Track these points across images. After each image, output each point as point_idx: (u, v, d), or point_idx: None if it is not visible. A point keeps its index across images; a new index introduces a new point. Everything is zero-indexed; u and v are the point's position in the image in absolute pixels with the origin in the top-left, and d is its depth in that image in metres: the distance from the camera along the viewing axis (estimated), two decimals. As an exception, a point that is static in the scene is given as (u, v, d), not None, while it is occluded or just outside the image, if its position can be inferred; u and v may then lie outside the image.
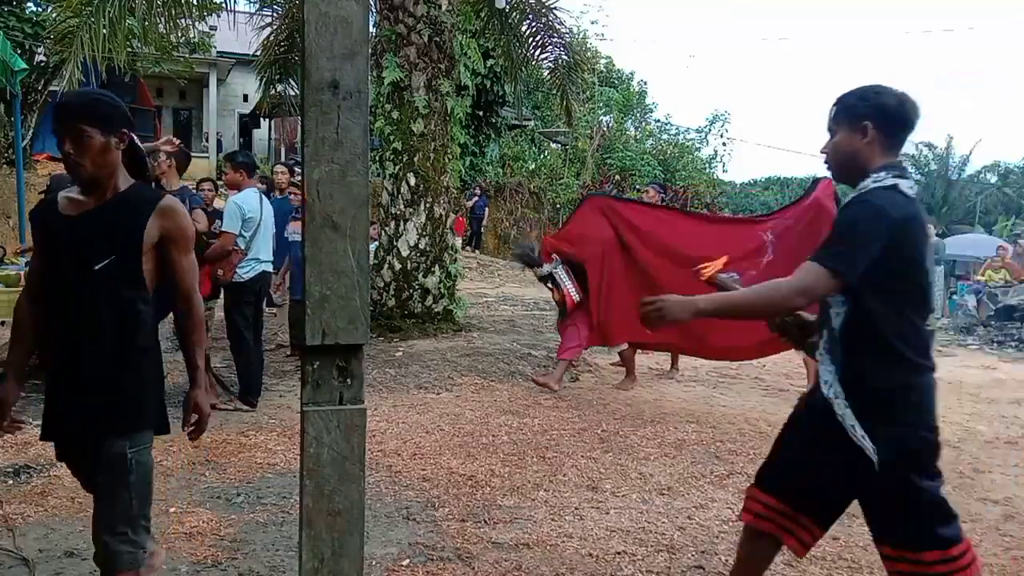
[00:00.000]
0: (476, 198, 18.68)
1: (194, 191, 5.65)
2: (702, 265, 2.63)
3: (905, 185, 2.10)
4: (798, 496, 2.24)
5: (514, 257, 6.87)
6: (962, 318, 12.37)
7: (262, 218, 5.35)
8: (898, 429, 2.06)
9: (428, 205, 8.18)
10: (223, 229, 5.20)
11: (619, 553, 3.18)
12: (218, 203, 6.70)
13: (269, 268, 5.50)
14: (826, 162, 2.27)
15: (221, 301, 5.48)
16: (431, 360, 6.79)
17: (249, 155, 6.05)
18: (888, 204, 2.04)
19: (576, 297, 6.04)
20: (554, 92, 12.05)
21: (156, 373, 2.22)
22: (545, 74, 12.26)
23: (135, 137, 2.18)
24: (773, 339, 4.70)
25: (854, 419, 2.06)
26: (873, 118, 2.13)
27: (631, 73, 31.66)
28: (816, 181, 5.90)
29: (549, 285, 6.29)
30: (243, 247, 5.23)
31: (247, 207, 5.24)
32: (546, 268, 6.17)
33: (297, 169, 6.13)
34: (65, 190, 2.20)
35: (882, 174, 2.11)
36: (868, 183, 2.11)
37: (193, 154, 7.44)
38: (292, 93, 11.46)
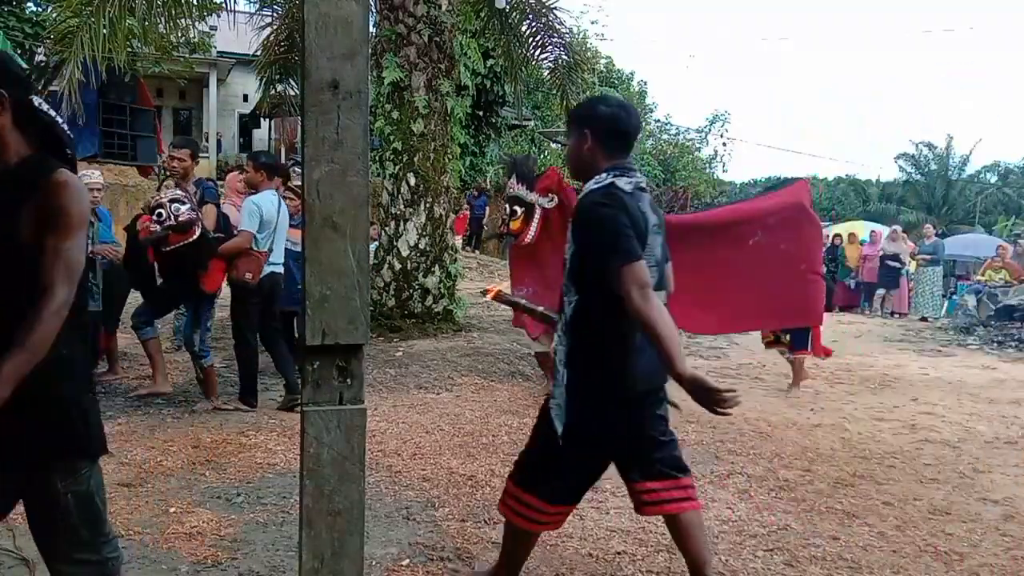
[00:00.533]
0: (474, 200, 18.69)
1: (209, 183, 5.59)
2: (488, 287, 2.93)
3: (622, 182, 2.35)
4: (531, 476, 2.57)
5: (511, 163, 6.17)
6: (962, 318, 12.34)
7: (278, 221, 5.37)
8: (592, 403, 2.36)
9: (428, 205, 8.18)
10: (241, 228, 5.20)
11: (619, 553, 3.18)
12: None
13: (278, 269, 5.51)
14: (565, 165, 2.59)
15: (222, 300, 5.49)
16: (431, 360, 6.79)
17: (272, 156, 6.07)
18: (603, 200, 2.31)
19: (530, 240, 5.52)
20: (554, 92, 12.01)
21: (79, 386, 1.85)
22: (545, 74, 12.23)
23: (36, 101, 1.80)
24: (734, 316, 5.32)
25: (563, 392, 2.35)
26: (591, 126, 2.42)
27: (631, 73, 31.62)
28: (787, 181, 5.66)
29: (516, 208, 5.55)
30: (260, 249, 5.23)
31: (265, 208, 5.25)
32: (534, 197, 5.52)
33: (296, 171, 6.09)
34: None
35: (603, 175, 2.37)
36: (590, 185, 2.40)
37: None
38: (292, 93, 11.43)
